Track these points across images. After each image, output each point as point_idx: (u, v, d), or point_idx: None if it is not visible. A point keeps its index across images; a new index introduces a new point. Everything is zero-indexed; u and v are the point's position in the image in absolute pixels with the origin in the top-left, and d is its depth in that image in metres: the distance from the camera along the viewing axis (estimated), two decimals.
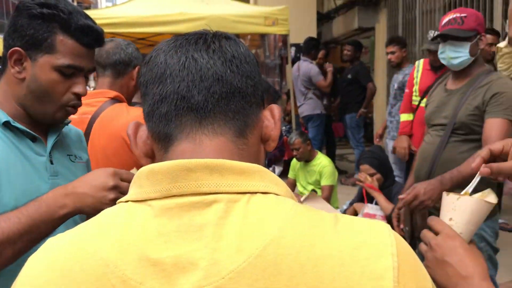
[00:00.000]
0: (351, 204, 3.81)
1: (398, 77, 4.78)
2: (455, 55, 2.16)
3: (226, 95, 0.61)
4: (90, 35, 1.19)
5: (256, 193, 0.57)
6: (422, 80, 3.97)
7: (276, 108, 0.68)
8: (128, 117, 1.68)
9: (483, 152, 0.98)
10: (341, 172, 6.56)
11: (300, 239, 0.53)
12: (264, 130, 0.66)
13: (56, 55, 1.15)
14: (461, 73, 2.20)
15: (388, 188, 3.40)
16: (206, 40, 0.64)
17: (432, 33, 3.80)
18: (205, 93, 0.60)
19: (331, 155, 6.70)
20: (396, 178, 3.93)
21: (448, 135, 2.14)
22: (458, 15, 2.18)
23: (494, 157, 0.98)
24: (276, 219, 0.54)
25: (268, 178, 0.59)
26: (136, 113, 1.69)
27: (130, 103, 1.93)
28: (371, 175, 3.39)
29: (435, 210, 2.23)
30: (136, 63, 1.88)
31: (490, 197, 0.97)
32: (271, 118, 0.67)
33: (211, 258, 0.52)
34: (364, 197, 3.47)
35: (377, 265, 0.53)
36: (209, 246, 0.53)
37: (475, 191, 1.00)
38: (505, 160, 0.97)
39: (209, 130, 0.61)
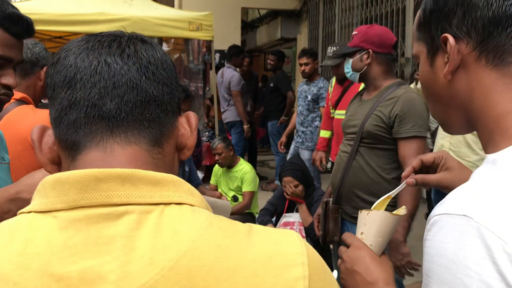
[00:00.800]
0: (270, 203, 3.85)
1: (311, 89, 5.00)
2: (347, 70, 2.37)
3: (140, 103, 0.59)
4: (20, 25, 1.14)
5: (170, 204, 0.55)
6: (333, 93, 4.26)
7: (192, 116, 0.67)
8: (34, 119, 1.60)
9: (414, 162, 1.04)
10: (262, 178, 6.67)
11: (214, 250, 0.53)
12: (180, 138, 0.65)
13: None
14: (369, 84, 2.32)
15: (310, 195, 3.51)
16: (120, 43, 0.61)
17: (330, 49, 4.04)
18: (118, 101, 0.58)
19: (252, 161, 6.79)
20: None
21: (357, 144, 2.24)
22: (354, 33, 2.35)
23: (427, 168, 1.04)
24: (190, 231, 0.53)
25: (182, 188, 0.58)
26: (43, 116, 1.61)
27: (38, 105, 1.85)
28: (295, 186, 3.46)
29: (349, 217, 2.34)
30: (44, 63, 1.80)
31: (400, 210, 1.05)
32: (187, 126, 0.66)
33: (122, 271, 0.50)
34: (286, 207, 3.55)
35: (289, 275, 0.54)
36: (120, 259, 0.51)
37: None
38: (435, 171, 1.03)
39: (121, 139, 0.58)
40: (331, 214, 2.34)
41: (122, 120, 0.58)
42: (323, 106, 4.91)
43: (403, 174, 1.03)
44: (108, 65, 0.59)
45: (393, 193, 1.07)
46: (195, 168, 2.63)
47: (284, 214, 3.44)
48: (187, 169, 2.53)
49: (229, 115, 6.41)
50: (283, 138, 5.37)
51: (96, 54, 0.59)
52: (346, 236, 1.02)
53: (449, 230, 0.58)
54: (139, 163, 0.58)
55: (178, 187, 0.57)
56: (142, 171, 0.56)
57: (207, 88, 6.45)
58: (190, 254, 0.52)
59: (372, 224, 1.02)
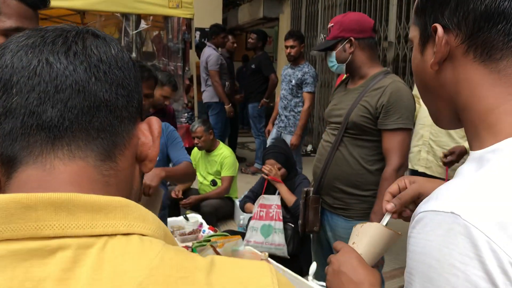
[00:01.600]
0: (251, 191, 3.82)
1: (296, 73, 4.85)
2: (330, 64, 2.27)
3: (88, 109, 0.49)
4: None
5: (115, 235, 0.46)
6: (337, 83, 4.13)
7: (155, 122, 0.58)
8: None
9: (387, 196, 1.04)
10: (241, 160, 6.60)
11: None
12: (140, 148, 0.56)
13: (1, 17, 1.05)
14: (355, 73, 2.24)
15: (291, 180, 3.46)
16: (66, 39, 0.51)
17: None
18: (60, 107, 0.48)
19: (233, 143, 6.69)
20: None
21: (341, 134, 2.17)
22: (329, 25, 2.25)
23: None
24: (136, 271, 0.44)
25: (133, 214, 0.48)
26: None
27: None
28: (278, 169, 3.44)
29: (329, 207, 2.29)
30: None
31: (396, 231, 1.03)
32: (148, 134, 0.57)
33: None
34: (264, 188, 3.50)
35: None
36: None
37: None
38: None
39: (64, 153, 0.49)
40: (311, 204, 2.28)
41: (65, 130, 0.49)
42: (307, 92, 4.82)
43: (386, 206, 1.02)
44: (50, 65, 0.49)
45: (385, 220, 1.04)
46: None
47: (262, 196, 3.38)
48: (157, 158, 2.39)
49: (206, 95, 6.26)
50: (270, 126, 5.26)
51: (36, 52, 0.50)
52: (337, 243, 1.01)
53: (435, 227, 0.56)
54: (85, 183, 0.49)
55: (127, 213, 0.48)
56: (82, 195, 0.46)
57: (187, 68, 6.29)
58: None
59: (364, 234, 1.01)
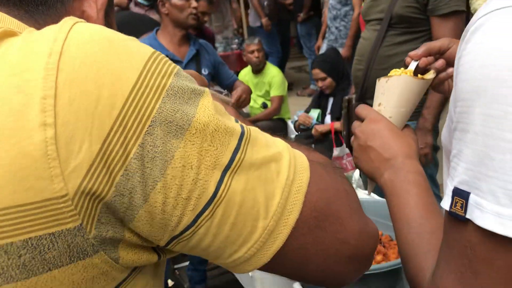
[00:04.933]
0: (306, 111, 3.69)
1: None
2: None
3: None
4: None
5: None
6: None
7: None
8: None
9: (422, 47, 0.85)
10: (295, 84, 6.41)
11: None
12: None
13: None
14: None
15: (344, 91, 3.30)
16: None
17: None
18: None
19: (283, 64, 6.46)
20: None
21: (384, 30, 1.97)
22: None
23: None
24: None
25: None
26: None
27: None
28: (322, 79, 3.29)
29: None
30: None
31: (427, 74, 0.85)
32: (94, 5, 0.54)
33: None
34: (333, 141, 3.29)
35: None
36: None
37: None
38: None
39: None
40: (356, 113, 2.12)
41: None
42: None
43: (415, 53, 0.84)
44: None
45: (411, 66, 0.86)
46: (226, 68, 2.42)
47: (334, 148, 3.21)
48: (205, 72, 2.31)
49: (250, 20, 5.99)
50: (319, 42, 4.98)
51: None
52: (360, 109, 0.84)
53: (506, 28, 0.40)
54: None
55: None
56: None
57: None
58: None
59: (392, 92, 0.83)
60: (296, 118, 4.34)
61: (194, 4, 2.17)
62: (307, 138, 3.45)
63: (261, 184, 0.43)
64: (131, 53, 0.40)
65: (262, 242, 0.43)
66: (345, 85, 3.34)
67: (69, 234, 0.38)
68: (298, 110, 4.56)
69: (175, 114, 0.40)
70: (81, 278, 0.40)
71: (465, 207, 0.41)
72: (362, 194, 1.90)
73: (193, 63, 2.29)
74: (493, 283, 0.41)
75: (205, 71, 2.34)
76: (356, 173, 1.96)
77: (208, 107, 0.42)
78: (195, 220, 0.41)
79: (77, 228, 0.38)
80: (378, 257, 1.27)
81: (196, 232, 0.42)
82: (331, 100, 3.43)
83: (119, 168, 0.38)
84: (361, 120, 0.83)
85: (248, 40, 4.31)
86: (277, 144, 0.46)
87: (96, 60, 0.39)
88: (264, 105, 4.37)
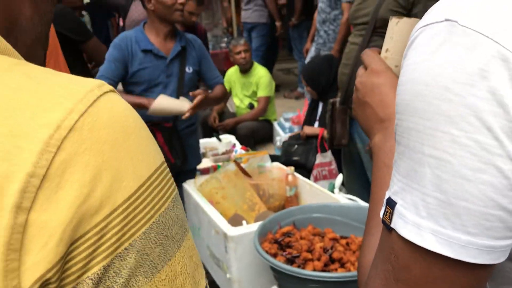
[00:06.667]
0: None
1: None
2: None
3: None
4: None
5: None
6: None
7: None
8: None
9: None
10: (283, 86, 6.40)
11: None
12: None
13: None
14: None
15: (335, 98, 3.30)
16: None
17: None
18: None
19: (270, 66, 6.46)
20: None
21: (369, 34, 1.96)
22: None
23: None
24: None
25: None
26: None
27: None
28: (306, 85, 3.28)
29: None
30: None
31: None
32: None
33: None
34: (318, 147, 3.25)
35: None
36: None
37: None
38: None
39: None
40: (338, 116, 2.12)
41: None
42: (347, 2, 4.45)
43: None
44: None
45: None
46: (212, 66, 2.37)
47: (318, 153, 3.20)
48: (189, 70, 2.28)
49: (254, 15, 5.90)
50: (308, 45, 4.97)
51: None
52: (365, 55, 0.75)
53: (427, 43, 0.41)
54: None
55: None
56: None
57: None
58: None
59: (401, 37, 0.73)
60: (282, 120, 4.33)
61: (181, 0, 2.14)
62: (296, 140, 3.44)
63: None
64: (141, 160, 0.36)
65: None
66: (336, 93, 3.34)
67: None
68: (284, 112, 4.56)
69: (155, 247, 0.35)
70: None
71: (391, 216, 0.43)
72: (346, 200, 1.89)
73: (178, 59, 2.26)
74: None
75: (189, 69, 2.31)
76: (339, 179, 1.94)
77: (187, 254, 0.38)
78: None
79: None
80: None
81: None
82: (320, 106, 3.42)
83: (71, 282, 0.33)
84: (365, 67, 0.75)
85: (234, 41, 4.28)
86: None
87: (103, 151, 0.34)
88: (251, 106, 4.36)
